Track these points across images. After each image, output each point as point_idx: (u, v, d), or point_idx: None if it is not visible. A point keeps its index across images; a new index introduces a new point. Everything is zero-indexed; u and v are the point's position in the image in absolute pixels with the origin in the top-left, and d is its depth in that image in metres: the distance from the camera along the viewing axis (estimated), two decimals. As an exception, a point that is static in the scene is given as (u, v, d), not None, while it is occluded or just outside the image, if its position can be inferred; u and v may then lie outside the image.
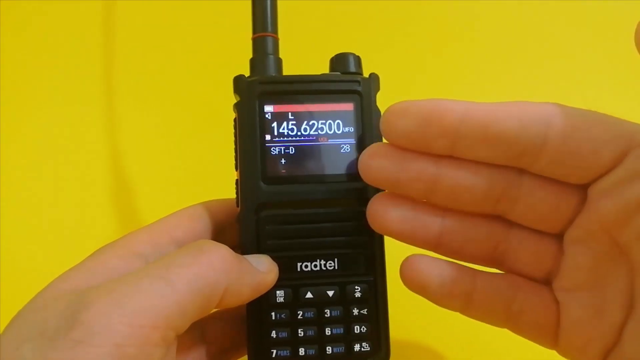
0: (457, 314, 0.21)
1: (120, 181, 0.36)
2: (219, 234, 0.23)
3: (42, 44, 0.40)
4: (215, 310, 0.21)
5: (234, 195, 0.23)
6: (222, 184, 0.25)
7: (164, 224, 0.22)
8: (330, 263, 0.22)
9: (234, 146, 0.23)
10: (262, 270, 0.21)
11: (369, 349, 0.22)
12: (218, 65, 0.37)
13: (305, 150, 0.22)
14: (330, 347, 0.22)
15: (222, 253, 0.20)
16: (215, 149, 0.34)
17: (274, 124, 0.22)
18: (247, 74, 0.23)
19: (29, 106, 0.38)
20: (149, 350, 0.17)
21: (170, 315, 0.17)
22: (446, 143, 0.19)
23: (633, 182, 0.17)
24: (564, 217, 0.19)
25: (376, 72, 0.23)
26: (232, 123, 0.23)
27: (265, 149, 0.22)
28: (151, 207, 0.35)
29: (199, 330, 0.22)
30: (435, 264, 0.20)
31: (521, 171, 0.19)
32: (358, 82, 0.23)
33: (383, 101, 0.23)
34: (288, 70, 0.24)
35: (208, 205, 0.23)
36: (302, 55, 0.26)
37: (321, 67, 0.24)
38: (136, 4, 0.40)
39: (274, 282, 0.21)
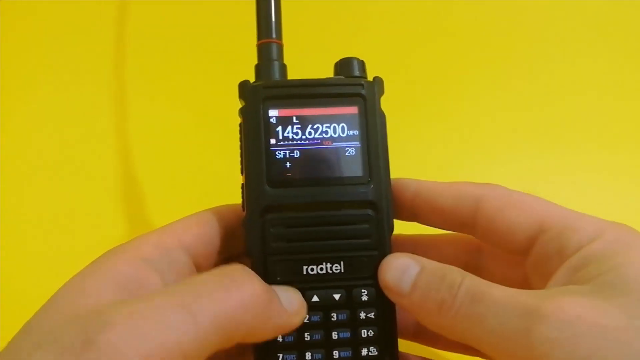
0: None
1: (126, 187, 0.36)
2: (228, 239, 0.23)
3: (51, 43, 0.40)
4: None
5: (240, 200, 0.23)
6: (229, 188, 0.25)
7: (173, 228, 0.22)
8: (336, 266, 0.22)
9: (239, 151, 0.23)
10: (290, 312, 0.20)
11: (376, 353, 0.22)
12: (224, 71, 0.37)
13: (310, 154, 0.22)
14: (337, 352, 0.22)
15: (254, 289, 0.19)
16: (221, 154, 0.34)
17: (279, 128, 0.22)
18: (252, 80, 0.24)
19: (36, 105, 0.39)
20: None
21: (188, 350, 0.17)
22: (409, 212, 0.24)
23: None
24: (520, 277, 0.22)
25: (380, 77, 0.23)
26: (238, 128, 0.23)
27: (270, 153, 0.22)
28: (157, 212, 0.36)
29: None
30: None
31: None
32: (362, 85, 0.23)
33: (387, 105, 0.23)
34: (292, 75, 0.24)
35: (216, 211, 0.23)
36: (306, 60, 0.27)
37: (325, 73, 0.24)
38: (143, 11, 0.41)
39: (300, 324, 0.21)
